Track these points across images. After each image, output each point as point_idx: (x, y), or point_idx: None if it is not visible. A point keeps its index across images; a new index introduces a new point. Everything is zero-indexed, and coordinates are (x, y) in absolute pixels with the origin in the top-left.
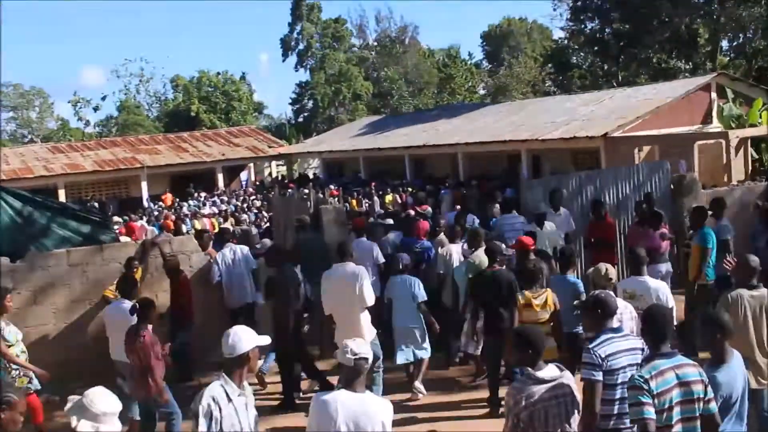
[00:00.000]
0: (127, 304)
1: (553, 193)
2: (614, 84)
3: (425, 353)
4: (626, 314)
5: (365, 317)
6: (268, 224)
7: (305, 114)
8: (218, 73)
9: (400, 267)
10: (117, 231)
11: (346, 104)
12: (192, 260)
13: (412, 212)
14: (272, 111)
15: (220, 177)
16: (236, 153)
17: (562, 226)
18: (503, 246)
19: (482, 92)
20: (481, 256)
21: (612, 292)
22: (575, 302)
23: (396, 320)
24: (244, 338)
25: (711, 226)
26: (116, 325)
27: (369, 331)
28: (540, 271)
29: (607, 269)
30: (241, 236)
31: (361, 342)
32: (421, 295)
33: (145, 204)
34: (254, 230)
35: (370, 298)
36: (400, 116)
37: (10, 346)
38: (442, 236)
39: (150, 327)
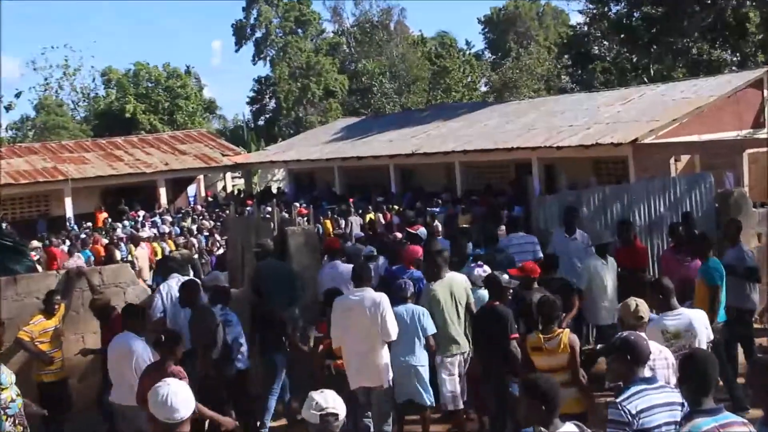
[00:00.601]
0: (136, 338)
1: (567, 211)
2: (645, 79)
3: (429, 398)
4: (660, 360)
5: (385, 354)
6: (221, 250)
7: (267, 115)
8: (159, 66)
9: (407, 295)
10: (34, 258)
11: (316, 103)
12: (127, 294)
13: (399, 234)
14: (226, 111)
15: (163, 192)
16: (182, 162)
17: (578, 253)
18: (505, 277)
19: (484, 89)
20: (437, 288)
21: (644, 334)
22: (597, 347)
23: (396, 357)
24: (182, 398)
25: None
26: (124, 363)
27: (388, 372)
28: (556, 306)
29: (637, 305)
30: (179, 263)
31: (331, 394)
32: (431, 327)
33: (70, 225)
34: (206, 257)
35: (394, 331)
36: (383, 118)
37: (3, 389)
38: None
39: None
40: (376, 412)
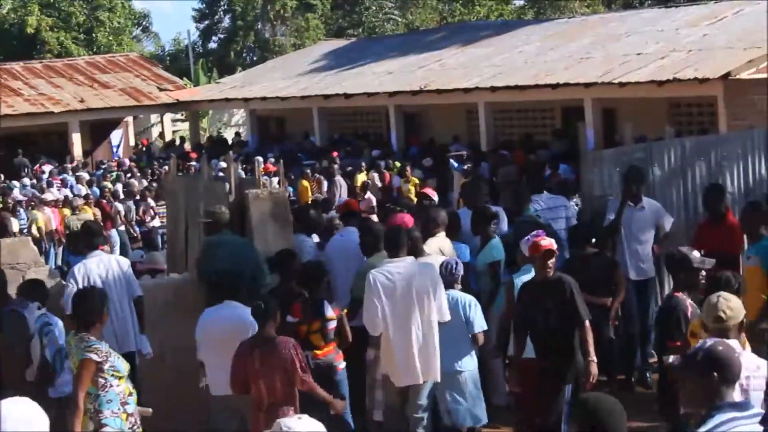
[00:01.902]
0: (235, 306)
1: (632, 172)
2: None
3: (482, 416)
4: (757, 379)
5: (437, 339)
6: (157, 221)
7: (220, 36)
8: None
9: (457, 278)
10: None
11: (288, 19)
12: (28, 277)
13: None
14: (164, 29)
15: (77, 139)
16: (104, 99)
17: (645, 228)
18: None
19: (519, 2)
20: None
21: (735, 342)
22: (670, 359)
23: None
24: (16, 424)
25: None
26: (227, 340)
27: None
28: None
29: (719, 300)
30: (81, 236)
31: (308, 421)
32: (480, 323)
33: None
34: (136, 230)
35: (447, 313)
36: (380, 41)
37: (120, 378)
38: (440, 240)
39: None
40: (413, 405)
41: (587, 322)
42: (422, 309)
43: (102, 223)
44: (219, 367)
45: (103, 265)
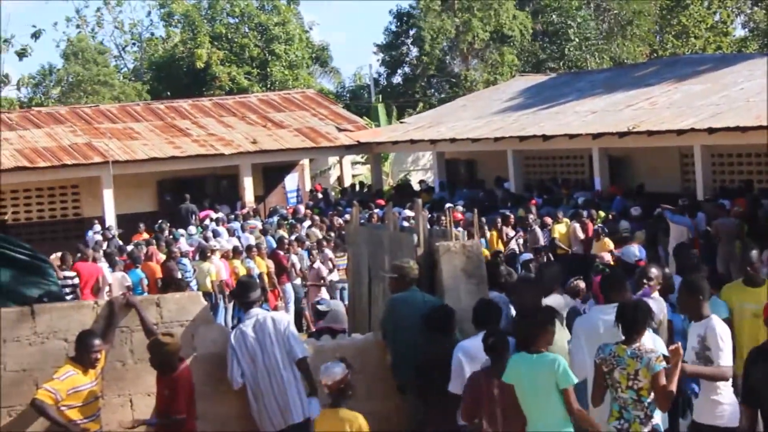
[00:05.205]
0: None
1: None
2: None
3: None
4: None
5: None
6: (334, 274)
7: (406, 72)
8: None
9: None
10: (60, 279)
11: (481, 52)
12: (198, 337)
13: (607, 256)
14: (344, 63)
15: (248, 183)
16: (278, 140)
17: None
18: None
19: (741, 32)
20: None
21: None
22: None
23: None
24: None
25: None
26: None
27: None
28: None
29: None
30: (236, 295)
31: None
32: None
33: (110, 230)
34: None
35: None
36: (583, 77)
37: None
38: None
39: None
40: None
41: None
42: None
43: (276, 277)
44: None
45: (258, 326)
